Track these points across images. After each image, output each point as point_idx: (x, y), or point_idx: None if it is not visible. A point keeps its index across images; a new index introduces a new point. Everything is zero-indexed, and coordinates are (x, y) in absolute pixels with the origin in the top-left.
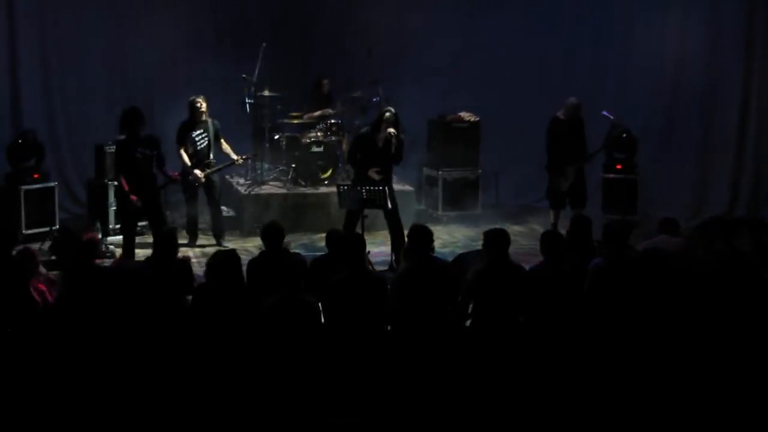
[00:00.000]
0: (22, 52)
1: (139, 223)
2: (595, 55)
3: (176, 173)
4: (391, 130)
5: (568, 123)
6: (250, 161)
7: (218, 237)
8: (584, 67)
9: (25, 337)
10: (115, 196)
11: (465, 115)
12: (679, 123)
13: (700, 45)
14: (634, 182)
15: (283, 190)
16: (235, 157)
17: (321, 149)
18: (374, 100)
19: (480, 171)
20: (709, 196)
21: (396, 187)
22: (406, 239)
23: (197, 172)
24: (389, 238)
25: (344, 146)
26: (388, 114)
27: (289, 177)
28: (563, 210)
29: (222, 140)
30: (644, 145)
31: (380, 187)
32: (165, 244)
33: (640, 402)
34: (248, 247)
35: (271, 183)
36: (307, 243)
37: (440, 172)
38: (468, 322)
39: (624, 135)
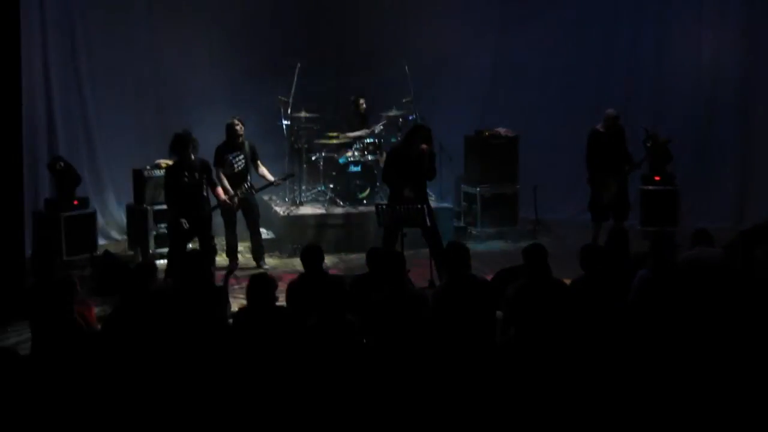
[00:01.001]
0: (56, 76)
1: (190, 246)
2: (629, 65)
3: (226, 197)
4: (424, 145)
5: (608, 134)
6: (287, 182)
7: (258, 259)
8: (619, 78)
9: (73, 363)
10: (166, 219)
11: (502, 131)
12: (715, 132)
13: (737, 53)
14: (673, 193)
15: (322, 211)
16: (272, 178)
17: (359, 169)
18: (410, 118)
19: (518, 186)
20: (749, 206)
21: (433, 204)
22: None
23: (228, 198)
24: (429, 256)
25: (382, 165)
26: (420, 129)
27: (327, 197)
28: (605, 222)
29: (259, 162)
30: (682, 155)
31: (418, 206)
32: (190, 265)
33: (686, 412)
34: (288, 268)
35: (309, 204)
36: (347, 262)
37: (478, 189)
38: (509, 339)
39: (667, 144)
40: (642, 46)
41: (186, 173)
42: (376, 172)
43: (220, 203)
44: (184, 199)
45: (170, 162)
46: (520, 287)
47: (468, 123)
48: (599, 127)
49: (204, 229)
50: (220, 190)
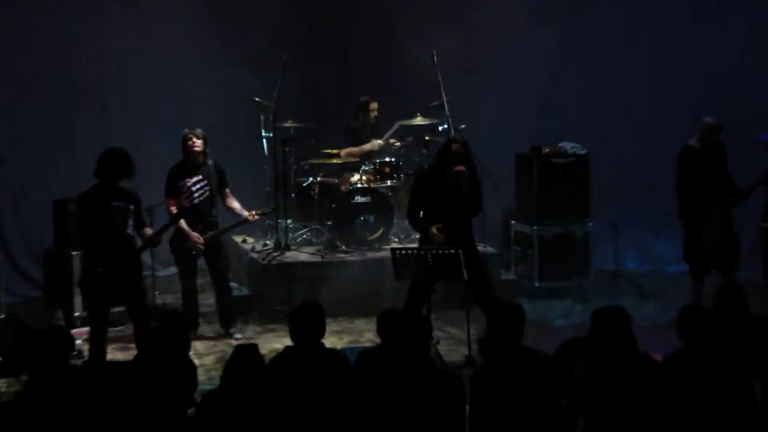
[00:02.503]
0: None
1: (114, 309)
2: (735, 64)
3: (153, 233)
4: (461, 167)
5: (706, 151)
6: (268, 218)
7: (227, 325)
8: (723, 78)
9: None
10: (81, 268)
11: (568, 146)
12: None
13: None
14: None
15: (317, 258)
16: (245, 214)
17: (368, 199)
18: (441, 129)
19: (591, 223)
20: None
21: (480, 248)
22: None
23: (195, 235)
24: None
25: (401, 194)
26: (455, 145)
27: (324, 239)
28: (707, 275)
29: (227, 190)
30: None
31: (452, 250)
32: (167, 334)
33: None
34: (270, 339)
35: (299, 248)
36: (351, 330)
37: (535, 227)
38: None
39: None
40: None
41: (114, 202)
42: (392, 204)
43: (151, 241)
44: (105, 239)
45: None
46: (591, 365)
47: (519, 137)
48: (693, 142)
49: (132, 282)
50: (148, 229)
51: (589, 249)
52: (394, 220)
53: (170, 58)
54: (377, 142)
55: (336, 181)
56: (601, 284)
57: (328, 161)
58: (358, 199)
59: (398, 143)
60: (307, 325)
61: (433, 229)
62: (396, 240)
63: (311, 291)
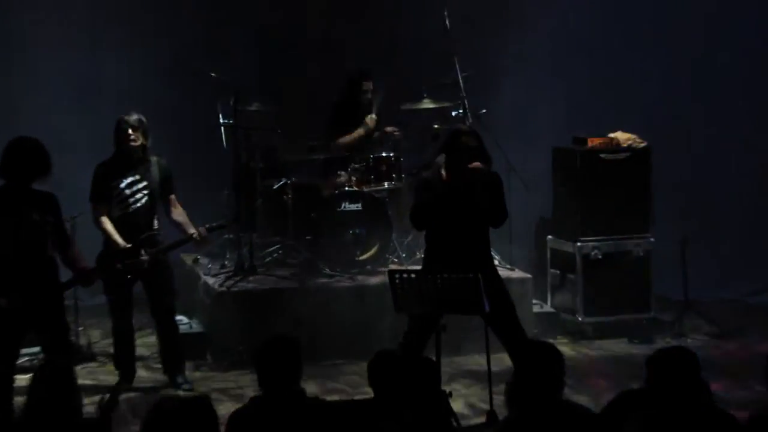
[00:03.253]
0: None
1: (25, 351)
2: None
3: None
4: (477, 163)
5: None
6: (226, 233)
7: (174, 370)
8: None
9: None
10: None
11: (622, 138)
12: None
13: None
14: None
15: (291, 284)
16: (192, 231)
17: (358, 206)
18: (454, 114)
19: (652, 240)
20: None
21: (504, 273)
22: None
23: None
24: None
25: (402, 201)
26: (465, 137)
27: (302, 259)
28: None
29: (173, 196)
30: None
31: (469, 275)
32: (53, 388)
33: None
34: (229, 388)
35: (268, 271)
36: (338, 377)
37: (579, 244)
38: None
39: None
40: None
41: (21, 210)
42: (390, 213)
43: (85, 276)
44: (16, 263)
45: None
46: (648, 421)
47: (558, 125)
48: None
49: (52, 319)
50: (77, 251)
51: (649, 273)
52: (393, 235)
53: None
54: (371, 117)
55: (317, 183)
56: (665, 319)
57: (307, 157)
58: (346, 206)
59: (398, 132)
60: (279, 365)
61: (448, 244)
62: (395, 261)
63: (284, 327)
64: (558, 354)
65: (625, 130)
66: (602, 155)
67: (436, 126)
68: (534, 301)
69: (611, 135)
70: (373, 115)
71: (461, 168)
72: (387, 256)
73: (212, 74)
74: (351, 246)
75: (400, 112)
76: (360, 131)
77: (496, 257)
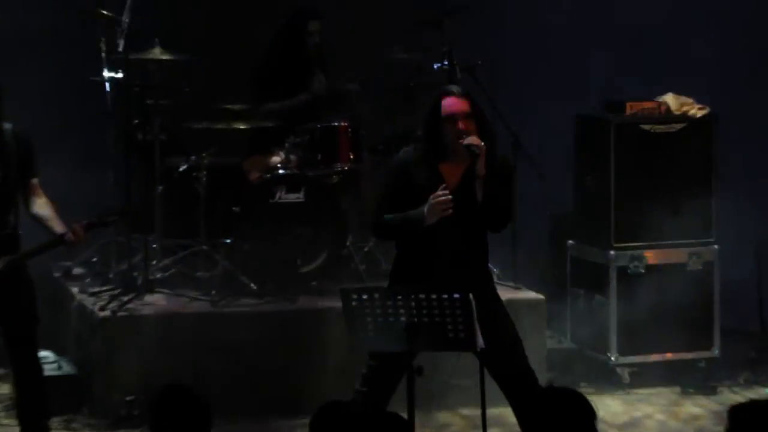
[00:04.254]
0: None
1: None
2: None
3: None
4: (473, 139)
5: None
6: (111, 233)
7: (32, 425)
8: None
9: None
10: None
11: (675, 104)
12: None
13: None
14: None
15: (204, 306)
16: (63, 230)
17: (299, 197)
18: (436, 67)
19: (717, 247)
20: None
21: (506, 294)
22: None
23: None
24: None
25: (363, 189)
26: (450, 99)
27: (219, 271)
28: None
29: (36, 181)
30: None
31: (455, 295)
32: None
33: None
34: None
35: (170, 289)
36: None
37: (612, 253)
38: None
39: None
40: None
41: None
42: (343, 206)
43: None
44: None
45: None
46: None
47: (581, 87)
48: None
49: (14, 302)
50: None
51: (711, 294)
52: (348, 238)
53: None
54: (320, 89)
55: (240, 163)
56: (737, 359)
57: (228, 126)
58: (282, 196)
59: (356, 89)
60: (179, 424)
61: (437, 195)
62: (351, 275)
63: (191, 368)
64: (587, 406)
65: (678, 92)
66: (646, 126)
67: (411, 84)
68: (549, 334)
69: (659, 99)
70: (322, 77)
71: (450, 141)
72: (340, 267)
73: (99, 11)
74: (289, 253)
75: (361, 63)
76: (303, 96)
77: (496, 271)
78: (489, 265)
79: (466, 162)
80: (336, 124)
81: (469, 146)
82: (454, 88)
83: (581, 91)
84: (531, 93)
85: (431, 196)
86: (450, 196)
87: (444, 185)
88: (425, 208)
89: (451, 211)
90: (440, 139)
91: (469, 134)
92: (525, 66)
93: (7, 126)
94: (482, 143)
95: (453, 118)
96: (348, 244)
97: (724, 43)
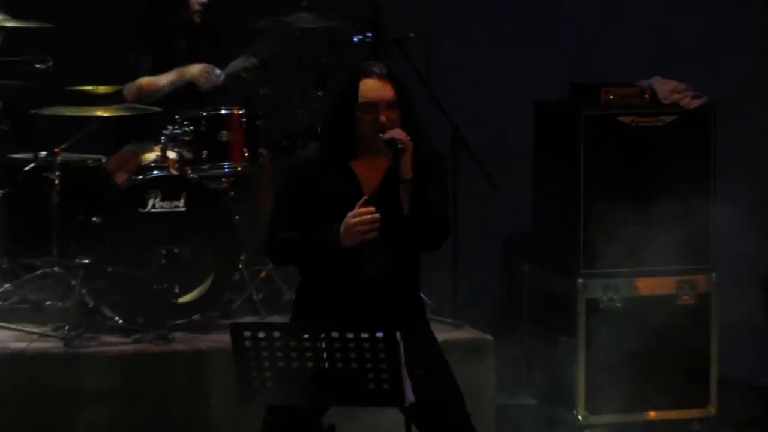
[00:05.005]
0: None
1: None
2: None
3: None
4: (396, 132)
5: None
6: None
7: None
8: None
9: None
10: None
11: (663, 90)
12: None
13: None
14: None
15: (53, 345)
16: None
17: (179, 205)
18: (356, 40)
19: (714, 275)
20: None
21: (443, 333)
22: None
23: None
24: None
25: (261, 195)
26: (370, 81)
27: (73, 301)
28: None
29: None
30: None
31: (378, 334)
32: None
33: None
34: None
35: (8, 322)
36: None
37: (581, 281)
38: None
39: None
40: None
41: None
42: (235, 218)
43: None
44: None
45: None
46: None
47: (544, 66)
48: None
49: None
50: None
51: (708, 335)
52: (241, 257)
53: None
54: (200, 70)
55: (103, 161)
56: (739, 419)
57: (88, 113)
58: (156, 204)
59: (251, 67)
60: None
61: (358, 214)
62: (244, 307)
63: (36, 424)
64: None
65: (666, 76)
66: (626, 119)
67: (322, 61)
68: (498, 385)
69: (643, 83)
70: (203, 71)
71: (366, 134)
72: (230, 296)
73: None
74: (164, 278)
75: (256, 33)
76: (179, 72)
77: (430, 303)
78: (421, 295)
79: (385, 159)
80: (226, 111)
81: (390, 141)
82: (376, 67)
83: (544, 72)
84: (479, 74)
85: (349, 215)
86: (377, 215)
87: (365, 197)
88: (341, 228)
89: (376, 233)
90: (353, 130)
91: (391, 128)
92: (471, 39)
93: None
94: (408, 137)
95: (372, 107)
96: (241, 266)
97: (725, 15)
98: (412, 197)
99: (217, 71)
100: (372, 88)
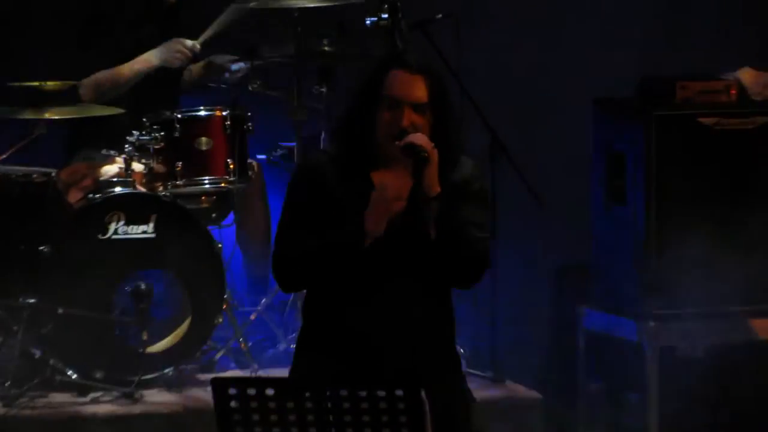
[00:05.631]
0: None
1: None
2: None
3: None
4: (417, 137)
5: None
6: None
7: None
8: None
9: None
10: None
11: (755, 84)
12: None
13: None
14: None
15: None
16: None
17: (147, 230)
18: (372, 21)
19: None
20: None
21: (480, 391)
22: None
23: None
24: None
25: (253, 217)
26: (401, 73)
27: (15, 349)
28: None
29: None
30: None
31: (398, 391)
32: None
33: None
34: None
35: None
36: None
37: (652, 324)
38: None
39: None
40: None
41: None
42: (216, 247)
43: None
44: None
45: None
46: None
47: (602, 60)
48: None
49: None
50: None
51: None
52: (227, 295)
53: None
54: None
55: (53, 175)
56: None
57: (35, 115)
58: (118, 229)
59: (238, 63)
60: None
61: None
62: (229, 356)
63: None
64: None
65: (761, 66)
66: (707, 120)
67: (324, 47)
68: None
69: (729, 76)
70: (190, 42)
71: (384, 144)
72: (211, 344)
73: None
74: (129, 321)
75: (248, 19)
76: (145, 59)
77: (463, 352)
78: (455, 343)
79: (408, 171)
80: (206, 113)
81: (410, 148)
82: (410, 56)
83: (603, 62)
84: (521, 64)
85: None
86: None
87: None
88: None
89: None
90: (374, 132)
91: (414, 132)
92: (510, 20)
93: None
94: (432, 145)
95: (394, 104)
96: (225, 307)
97: None
98: (439, 219)
99: (188, 42)
100: (399, 82)
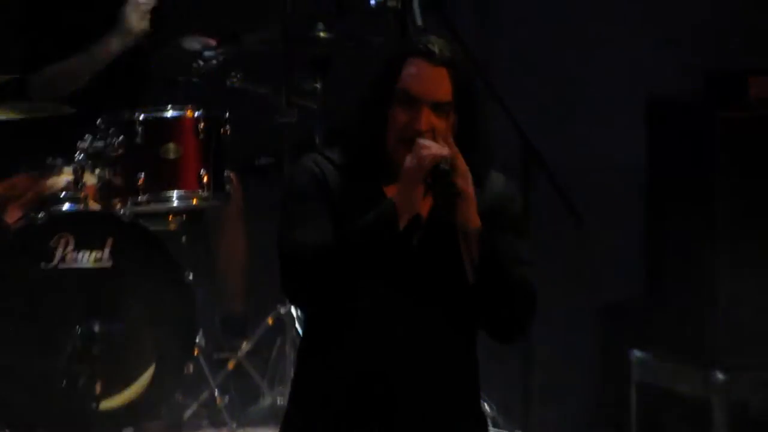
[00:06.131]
0: None
1: None
2: None
3: None
4: (441, 148)
5: None
6: None
7: None
8: None
9: None
10: None
11: None
12: None
13: None
14: None
15: None
16: None
17: (102, 256)
18: (373, 3)
19: None
20: None
21: None
22: None
23: None
24: None
25: (230, 242)
26: (422, 65)
27: None
28: None
29: None
30: None
31: None
32: None
33: None
34: None
35: None
36: None
37: (720, 376)
38: None
39: None
40: None
41: None
42: (187, 277)
43: None
44: None
45: None
46: None
47: (661, 49)
48: None
49: None
50: None
51: None
52: (198, 338)
53: None
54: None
55: None
56: None
57: None
58: (67, 256)
59: (212, 50)
60: None
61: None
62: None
63: None
64: None
65: None
66: None
67: (321, 33)
68: None
69: None
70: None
71: (394, 151)
72: (180, 399)
73: None
74: (79, 370)
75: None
76: (111, 43)
77: (491, 411)
78: (480, 393)
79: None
80: (174, 113)
81: (442, 176)
82: (433, 44)
83: (659, 54)
84: (558, 55)
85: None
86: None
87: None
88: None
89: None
90: (384, 136)
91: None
92: (549, 9)
93: None
94: (454, 152)
95: (410, 101)
96: (197, 353)
97: None
98: (484, 258)
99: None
100: (418, 75)
